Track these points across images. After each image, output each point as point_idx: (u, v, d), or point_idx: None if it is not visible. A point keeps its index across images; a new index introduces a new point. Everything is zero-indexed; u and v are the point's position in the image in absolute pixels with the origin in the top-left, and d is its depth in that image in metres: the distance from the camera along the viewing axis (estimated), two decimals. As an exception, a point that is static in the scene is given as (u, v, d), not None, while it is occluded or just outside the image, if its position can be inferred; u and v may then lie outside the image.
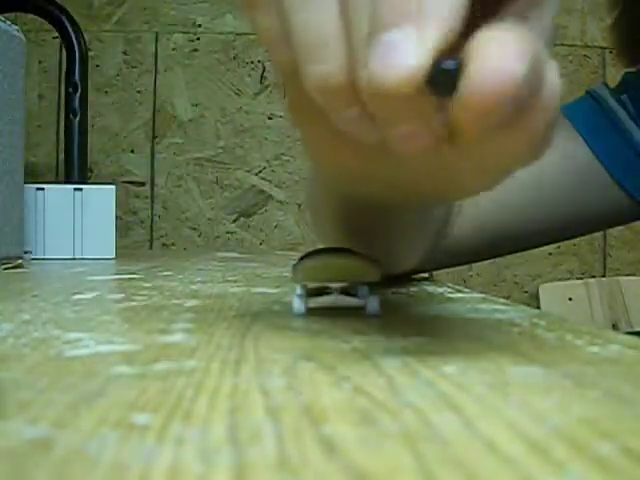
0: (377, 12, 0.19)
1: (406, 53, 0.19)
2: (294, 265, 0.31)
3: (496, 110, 0.19)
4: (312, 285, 0.32)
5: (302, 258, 0.32)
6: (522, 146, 0.21)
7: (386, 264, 0.44)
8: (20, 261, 0.65)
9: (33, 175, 1.42)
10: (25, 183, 0.70)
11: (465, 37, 0.19)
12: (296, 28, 0.21)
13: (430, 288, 0.44)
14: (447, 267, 0.55)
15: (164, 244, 1.49)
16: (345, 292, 0.32)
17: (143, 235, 1.49)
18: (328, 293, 0.33)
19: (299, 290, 0.32)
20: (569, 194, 0.51)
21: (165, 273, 0.56)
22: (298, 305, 0.31)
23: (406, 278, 0.50)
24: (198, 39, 1.51)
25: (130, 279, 0.52)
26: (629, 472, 0.12)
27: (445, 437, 0.14)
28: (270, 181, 1.51)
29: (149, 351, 0.23)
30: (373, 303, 0.31)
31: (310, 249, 0.33)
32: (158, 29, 1.50)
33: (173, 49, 1.50)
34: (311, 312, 0.31)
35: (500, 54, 0.19)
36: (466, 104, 0.19)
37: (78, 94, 0.85)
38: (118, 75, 1.49)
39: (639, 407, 0.17)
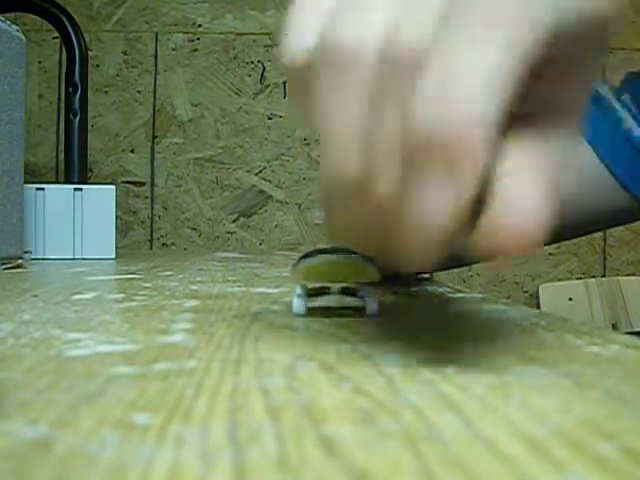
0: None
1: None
2: (293, 265, 0.31)
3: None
4: (312, 285, 0.32)
5: (301, 258, 0.31)
6: None
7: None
8: (20, 261, 0.65)
9: (33, 175, 1.42)
10: (25, 183, 0.70)
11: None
12: (322, 117, 0.20)
13: (430, 288, 0.44)
14: (449, 268, 0.56)
15: (164, 244, 1.49)
16: (345, 292, 0.32)
17: (143, 235, 1.49)
18: (328, 293, 0.33)
19: (299, 290, 0.31)
20: (569, 194, 0.51)
21: (165, 273, 0.56)
22: (298, 305, 0.31)
23: (405, 278, 0.50)
24: (198, 39, 1.51)
25: (130, 279, 0.52)
26: (629, 472, 0.12)
27: (445, 437, 0.14)
28: (270, 181, 1.51)
29: (149, 351, 0.23)
30: (372, 304, 0.31)
31: (310, 249, 0.33)
32: (158, 29, 1.50)
33: (173, 49, 1.50)
34: (311, 312, 0.31)
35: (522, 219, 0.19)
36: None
37: (78, 94, 0.85)
38: (118, 75, 1.49)
39: (639, 407, 0.17)
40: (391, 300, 0.38)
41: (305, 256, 0.31)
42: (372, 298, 0.31)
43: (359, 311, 0.31)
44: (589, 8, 0.21)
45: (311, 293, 0.32)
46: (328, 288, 0.33)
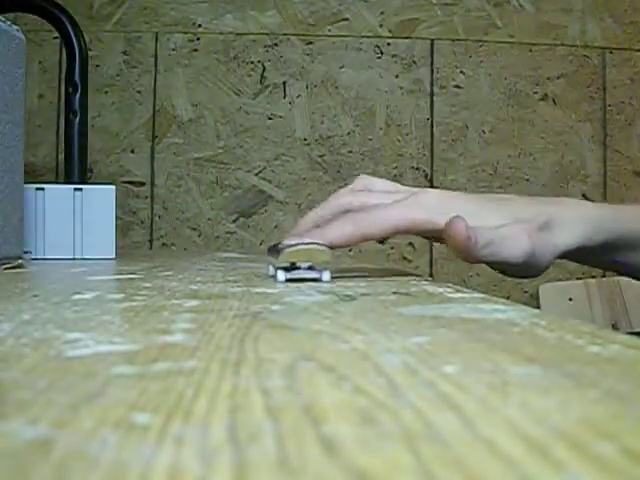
0: None
1: None
2: (275, 250, 0.48)
3: None
4: (282, 264, 0.47)
5: (275, 247, 0.49)
6: None
7: None
8: (20, 261, 0.65)
9: (33, 175, 1.42)
10: (25, 183, 0.70)
11: None
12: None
13: (430, 288, 0.44)
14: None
15: (164, 244, 1.49)
16: (309, 268, 0.47)
17: (143, 235, 1.49)
18: (298, 268, 0.47)
19: (272, 268, 0.50)
20: None
21: (165, 273, 0.56)
22: (280, 276, 0.47)
23: (406, 278, 0.50)
24: (198, 39, 1.51)
25: (130, 279, 0.52)
26: (629, 472, 0.12)
27: (445, 437, 0.14)
28: (270, 181, 1.51)
29: (149, 351, 0.23)
30: (325, 275, 0.47)
31: (278, 240, 0.52)
32: (158, 29, 1.50)
33: (173, 49, 1.50)
34: (310, 308, 0.31)
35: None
36: None
37: (78, 94, 0.85)
38: (118, 75, 1.49)
39: (639, 407, 0.17)
40: (391, 300, 0.38)
41: (279, 245, 0.48)
42: (325, 271, 0.47)
43: (318, 280, 0.47)
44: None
45: (287, 269, 0.47)
46: (295, 264, 0.47)
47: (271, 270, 0.51)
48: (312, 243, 0.48)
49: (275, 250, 0.49)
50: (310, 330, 0.27)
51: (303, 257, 0.47)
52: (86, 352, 0.22)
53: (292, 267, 0.47)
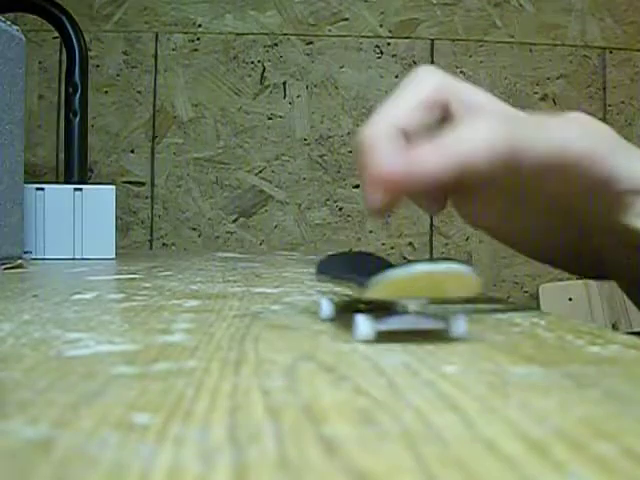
0: None
1: None
2: (350, 270, 0.26)
3: None
4: (340, 300, 0.27)
5: (355, 259, 0.26)
6: None
7: None
8: (20, 261, 0.65)
9: (33, 175, 1.42)
10: (25, 183, 0.70)
11: None
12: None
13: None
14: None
15: (164, 244, 1.49)
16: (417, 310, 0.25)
17: (143, 235, 1.49)
18: (397, 311, 0.25)
19: (326, 302, 0.27)
20: None
21: (165, 273, 0.56)
22: (365, 328, 0.24)
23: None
24: (198, 39, 1.51)
25: (130, 279, 0.52)
26: (629, 472, 0.12)
27: (445, 437, 0.14)
28: (270, 181, 1.51)
29: (149, 351, 0.23)
30: (460, 323, 0.24)
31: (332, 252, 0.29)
32: (158, 29, 1.50)
33: (173, 49, 1.50)
34: (310, 308, 0.31)
35: None
36: None
37: (78, 94, 0.85)
38: (118, 75, 1.49)
39: (639, 407, 0.17)
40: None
41: (360, 259, 0.26)
42: (457, 317, 0.24)
43: (439, 333, 0.25)
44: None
45: (372, 309, 0.26)
46: (396, 304, 0.25)
47: (325, 307, 0.28)
48: (443, 259, 0.22)
49: (350, 270, 0.27)
50: (310, 330, 0.27)
51: (420, 290, 0.23)
52: (86, 352, 0.22)
53: (382, 306, 0.25)
